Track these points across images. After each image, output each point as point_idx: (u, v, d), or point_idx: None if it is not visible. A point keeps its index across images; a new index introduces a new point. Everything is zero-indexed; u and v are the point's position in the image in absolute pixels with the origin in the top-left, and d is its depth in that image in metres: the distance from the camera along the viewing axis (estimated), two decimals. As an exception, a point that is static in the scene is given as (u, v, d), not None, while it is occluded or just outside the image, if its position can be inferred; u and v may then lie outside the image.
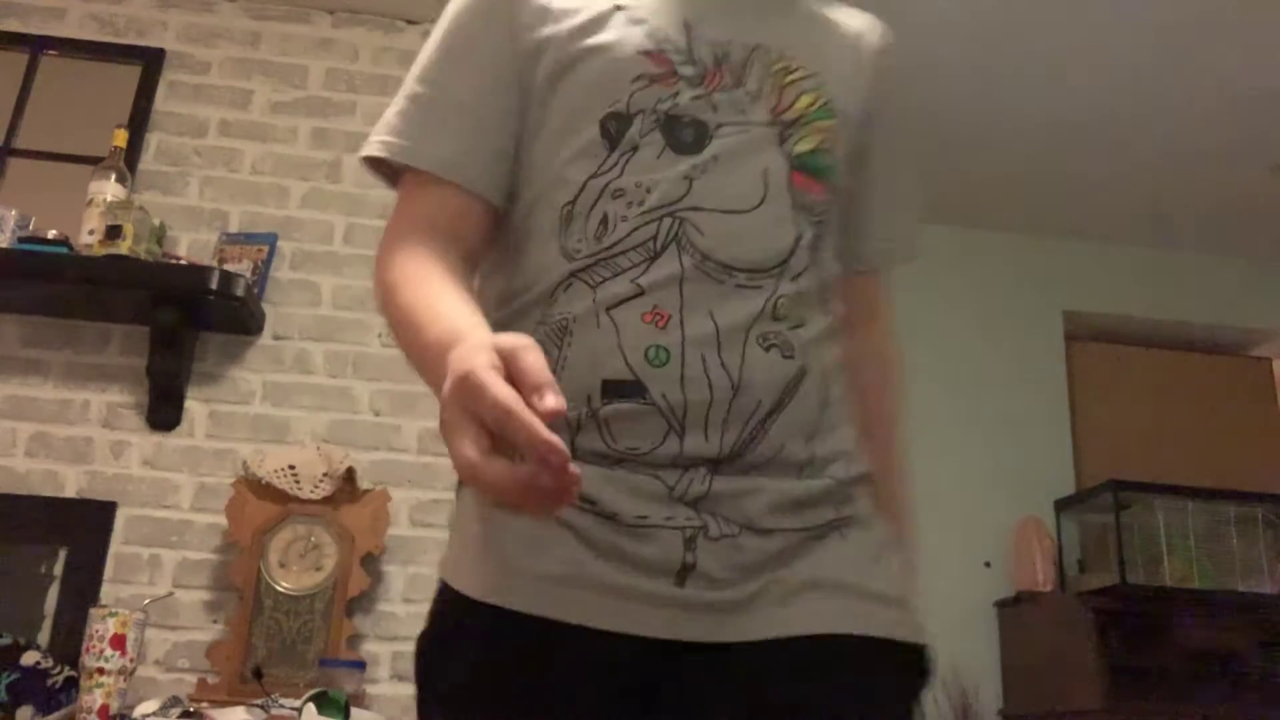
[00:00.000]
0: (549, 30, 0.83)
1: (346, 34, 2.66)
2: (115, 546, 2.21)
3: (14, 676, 1.92)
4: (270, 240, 2.44)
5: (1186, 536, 2.88)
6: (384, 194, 2.75)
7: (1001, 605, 3.09)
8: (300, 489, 2.16)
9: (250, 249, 2.42)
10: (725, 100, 0.81)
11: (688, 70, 0.81)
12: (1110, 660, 2.66)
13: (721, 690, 0.74)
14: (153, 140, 2.50)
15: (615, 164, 0.80)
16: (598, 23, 0.83)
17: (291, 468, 2.17)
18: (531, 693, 0.76)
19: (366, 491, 2.22)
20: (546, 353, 0.62)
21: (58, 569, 2.17)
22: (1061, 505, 3.19)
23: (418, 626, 2.23)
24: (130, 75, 2.54)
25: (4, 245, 2.17)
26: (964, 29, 2.59)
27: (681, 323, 0.76)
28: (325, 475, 2.17)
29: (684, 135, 0.80)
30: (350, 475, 2.20)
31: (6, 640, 1.95)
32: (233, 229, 2.46)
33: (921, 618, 0.87)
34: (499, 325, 0.79)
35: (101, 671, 1.75)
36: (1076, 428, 3.40)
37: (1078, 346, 3.54)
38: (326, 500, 2.17)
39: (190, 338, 2.32)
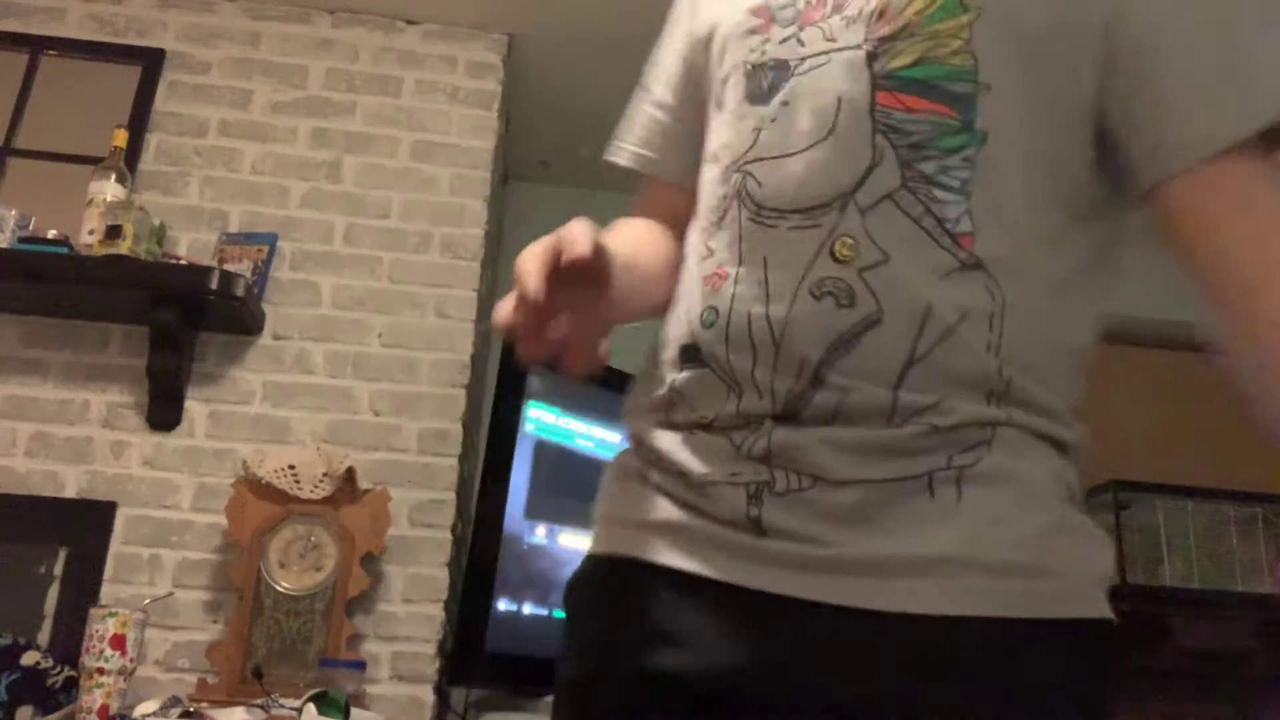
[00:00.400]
0: (704, 16, 0.88)
1: (346, 34, 2.66)
2: (115, 546, 2.21)
3: (14, 676, 1.92)
4: (270, 240, 2.44)
5: (1186, 536, 2.88)
6: (384, 194, 2.76)
7: (1001, 605, 3.09)
8: (300, 489, 2.16)
9: (250, 249, 2.42)
10: (815, 33, 0.76)
11: (786, 13, 0.78)
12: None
13: (816, 664, 0.70)
14: (153, 140, 2.50)
15: (713, 129, 0.82)
16: None
17: (291, 468, 2.17)
18: (628, 623, 0.77)
19: (366, 491, 2.22)
20: (672, 317, 0.79)
21: (58, 569, 2.17)
22: (1061, 505, 3.19)
23: (418, 626, 2.26)
24: (130, 75, 2.54)
25: (4, 245, 2.16)
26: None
27: (736, 280, 0.75)
28: (325, 475, 2.17)
29: (762, 83, 0.77)
30: (350, 475, 2.20)
31: (6, 640, 1.95)
32: (233, 229, 2.46)
33: (1080, 583, 0.78)
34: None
35: (101, 671, 1.75)
36: (1076, 428, 3.40)
37: (1078, 346, 3.54)
38: (326, 500, 2.17)
39: (190, 338, 2.32)
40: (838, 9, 0.76)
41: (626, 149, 0.96)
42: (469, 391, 2.46)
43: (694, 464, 0.76)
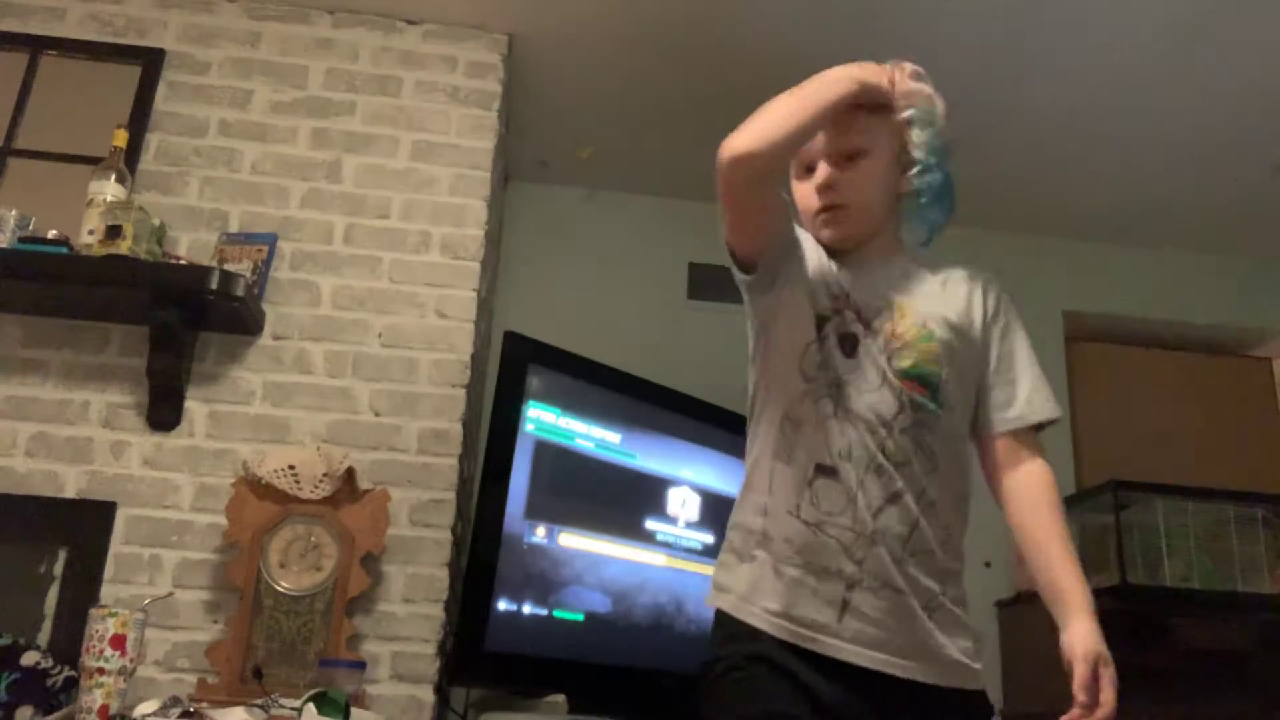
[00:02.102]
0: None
1: (346, 34, 2.66)
2: (115, 546, 2.21)
3: (14, 676, 1.92)
4: (270, 240, 2.44)
5: (1186, 536, 2.88)
6: (383, 194, 2.76)
7: (1001, 605, 3.09)
8: (300, 489, 2.16)
9: (250, 249, 2.42)
10: (863, 330, 1.32)
11: (849, 308, 1.33)
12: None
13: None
14: (153, 140, 2.50)
15: (818, 344, 1.34)
16: (820, 267, 1.38)
17: (291, 468, 2.17)
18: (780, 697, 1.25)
19: (366, 491, 2.22)
20: (801, 437, 1.34)
21: (58, 569, 2.17)
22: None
23: (418, 626, 2.26)
24: (130, 75, 2.54)
25: (4, 245, 2.17)
26: (964, 30, 2.59)
27: (851, 439, 1.29)
28: (325, 475, 2.17)
29: (846, 344, 1.31)
30: (350, 475, 2.20)
31: (6, 640, 1.95)
32: (233, 229, 2.47)
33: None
34: None
35: (101, 671, 1.75)
36: (1076, 428, 3.40)
37: (1078, 346, 3.54)
38: (326, 500, 2.17)
39: (190, 338, 2.32)
40: (865, 323, 1.34)
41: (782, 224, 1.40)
42: (469, 391, 2.46)
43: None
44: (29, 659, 1.94)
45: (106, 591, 2.17)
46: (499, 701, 2.48)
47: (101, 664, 1.75)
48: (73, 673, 1.93)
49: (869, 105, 1.34)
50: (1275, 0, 2.42)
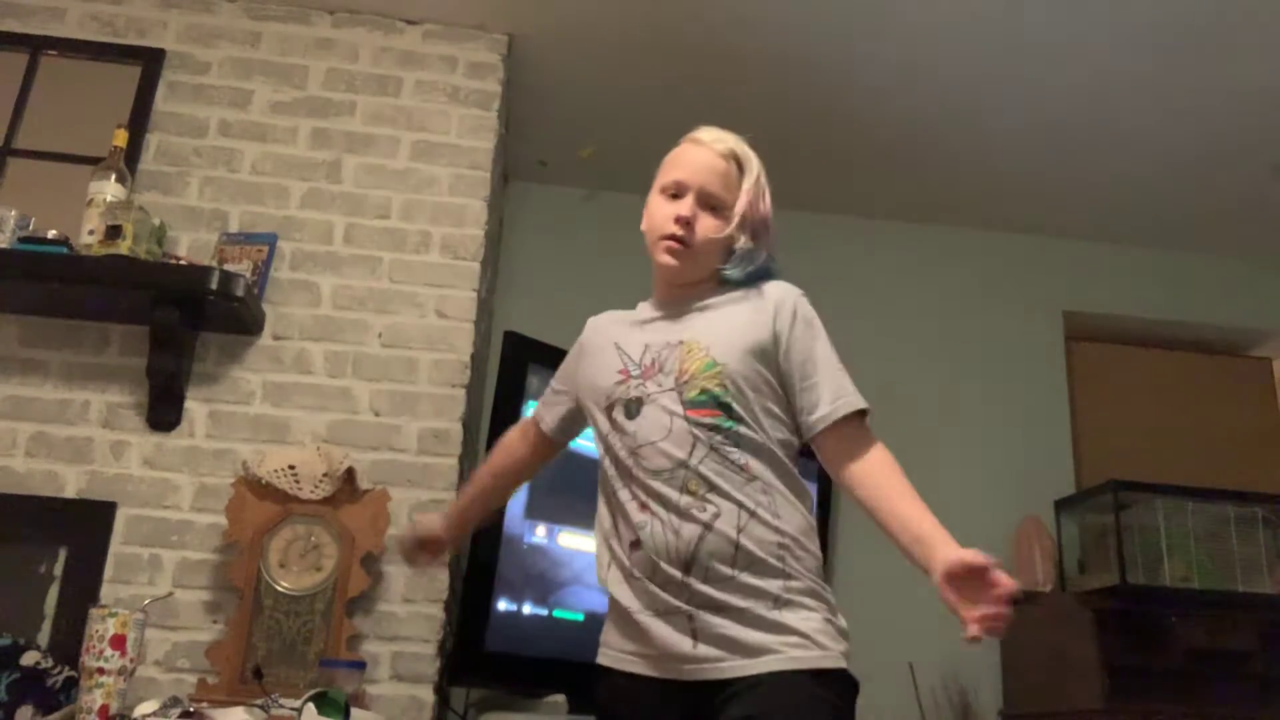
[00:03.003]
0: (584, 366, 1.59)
1: (346, 34, 2.66)
2: (115, 546, 2.21)
3: (14, 676, 1.92)
4: (270, 240, 2.44)
5: (1186, 536, 2.88)
6: (383, 194, 2.75)
7: (1001, 605, 3.09)
8: (300, 489, 2.16)
9: (250, 249, 2.42)
10: (652, 383, 1.43)
11: (636, 372, 1.46)
12: (1110, 660, 2.65)
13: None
14: (153, 140, 2.51)
15: (612, 429, 1.45)
16: (603, 359, 1.52)
17: (291, 468, 2.17)
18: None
19: (366, 491, 2.22)
20: (619, 521, 1.43)
21: (58, 569, 2.17)
22: (1061, 505, 3.18)
23: (418, 626, 2.27)
24: (130, 75, 2.54)
25: (4, 245, 2.17)
26: (962, 30, 2.59)
27: (649, 505, 1.38)
28: (325, 475, 2.17)
29: (632, 409, 1.43)
30: (350, 475, 2.20)
31: (6, 640, 1.95)
32: (233, 229, 2.47)
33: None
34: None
35: (101, 671, 1.75)
36: (1076, 428, 3.40)
37: (1078, 346, 3.54)
38: (326, 500, 2.17)
39: (190, 338, 2.32)
40: (660, 370, 1.43)
41: (543, 415, 1.69)
42: (469, 391, 2.46)
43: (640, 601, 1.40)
44: (29, 659, 1.94)
45: (106, 591, 2.17)
46: (499, 701, 2.48)
47: (101, 664, 1.75)
48: (73, 673, 1.93)
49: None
50: (1275, 1, 2.42)
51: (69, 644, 2.01)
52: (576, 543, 2.49)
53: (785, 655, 1.30)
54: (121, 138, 2.32)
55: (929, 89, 2.84)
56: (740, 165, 1.50)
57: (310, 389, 2.38)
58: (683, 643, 1.32)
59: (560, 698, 2.41)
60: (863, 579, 3.11)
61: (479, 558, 2.32)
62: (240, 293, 2.21)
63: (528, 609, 2.40)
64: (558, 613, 2.45)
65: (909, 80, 2.81)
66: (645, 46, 2.73)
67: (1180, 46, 2.60)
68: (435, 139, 2.60)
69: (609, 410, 1.46)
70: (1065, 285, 3.53)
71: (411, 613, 2.25)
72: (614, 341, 1.52)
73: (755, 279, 1.51)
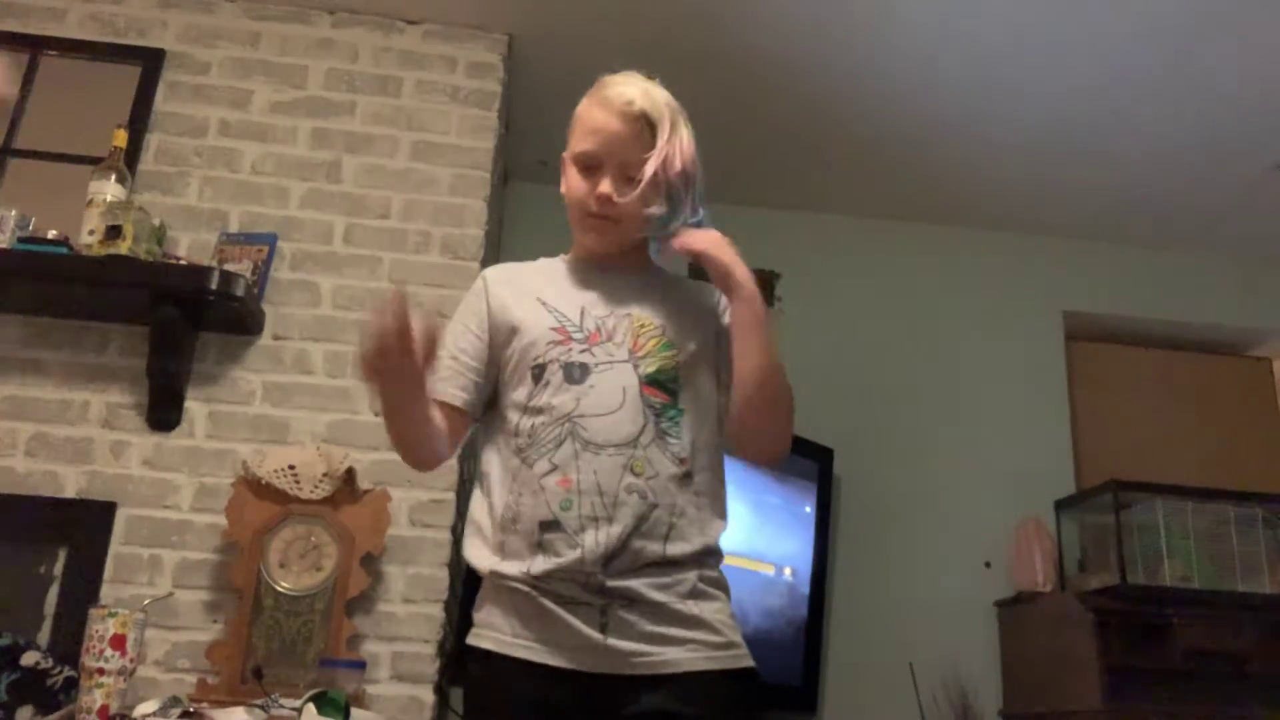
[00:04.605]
0: (501, 321, 1.42)
1: (346, 34, 2.66)
2: (115, 546, 2.21)
3: (14, 676, 1.92)
4: (270, 240, 2.44)
5: (1186, 536, 2.88)
6: (383, 194, 2.75)
7: (1001, 605, 3.09)
8: (300, 489, 2.16)
9: (250, 249, 2.42)
10: (600, 350, 1.34)
11: (578, 335, 1.36)
12: (1110, 660, 2.65)
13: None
14: (153, 140, 2.50)
15: (538, 392, 1.34)
16: (528, 312, 1.40)
17: (291, 468, 2.17)
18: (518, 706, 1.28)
19: (366, 491, 2.22)
20: (523, 505, 1.29)
21: (58, 569, 2.17)
22: (1061, 505, 3.18)
23: (418, 626, 2.26)
24: (130, 75, 2.54)
25: (4, 245, 2.17)
26: (962, 31, 2.59)
27: (578, 482, 1.27)
28: (325, 475, 2.17)
29: (574, 373, 1.33)
30: (350, 475, 2.20)
31: (6, 640, 1.94)
32: (233, 229, 2.46)
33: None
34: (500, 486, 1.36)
35: (101, 671, 1.75)
36: (1076, 428, 3.40)
37: (1078, 346, 3.54)
38: (326, 500, 2.17)
39: (190, 338, 2.32)
40: (609, 339, 1.35)
41: (450, 391, 1.40)
42: (469, 391, 2.45)
43: (562, 591, 1.28)
44: (29, 659, 1.94)
45: (106, 591, 2.17)
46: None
47: (101, 664, 1.75)
48: (73, 673, 1.93)
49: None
50: (1275, 1, 2.42)
51: (69, 644, 2.01)
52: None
53: (701, 655, 1.26)
54: (121, 138, 2.32)
55: (929, 89, 2.83)
56: (652, 125, 1.39)
57: (310, 389, 2.38)
58: (592, 634, 1.24)
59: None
60: (863, 580, 3.12)
61: (479, 558, 2.32)
62: (240, 293, 2.21)
63: (528, 609, 2.39)
64: (558, 613, 2.44)
65: (909, 81, 2.81)
66: (646, 47, 2.73)
67: (1180, 46, 2.60)
68: (435, 139, 2.60)
69: (536, 371, 1.34)
70: (1065, 285, 3.52)
71: (411, 613, 2.25)
72: (536, 296, 1.41)
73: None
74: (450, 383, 1.40)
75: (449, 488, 2.35)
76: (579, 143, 1.41)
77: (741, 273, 1.34)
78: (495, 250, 3.03)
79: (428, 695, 2.21)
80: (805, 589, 2.94)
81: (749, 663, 1.31)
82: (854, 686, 2.97)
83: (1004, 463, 3.26)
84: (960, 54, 2.69)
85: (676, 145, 1.40)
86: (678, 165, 1.39)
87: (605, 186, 1.37)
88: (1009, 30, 2.58)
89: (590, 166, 1.40)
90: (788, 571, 2.90)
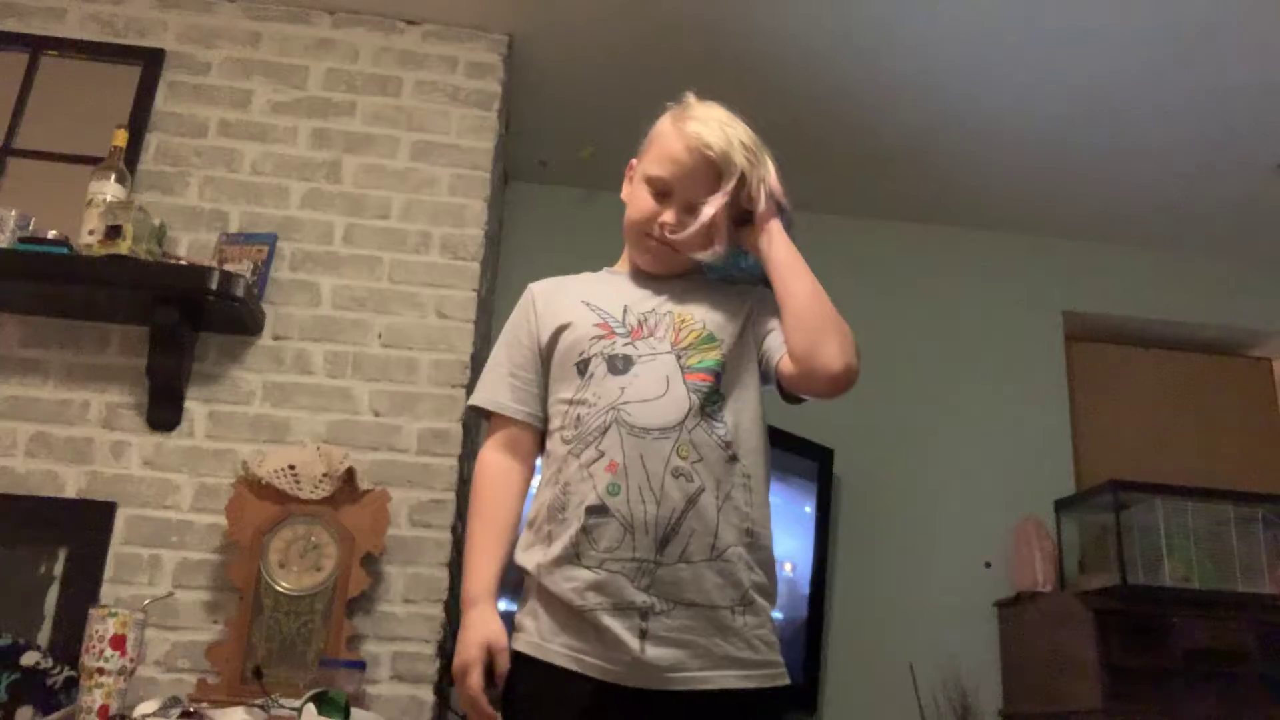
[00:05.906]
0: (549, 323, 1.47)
1: (346, 34, 2.66)
2: (115, 546, 2.21)
3: (14, 676, 1.92)
4: (270, 240, 2.44)
5: (1186, 536, 2.88)
6: (383, 194, 2.75)
7: (1001, 605, 3.09)
8: (300, 489, 2.16)
9: (250, 249, 2.42)
10: (643, 344, 1.39)
11: (621, 330, 1.41)
12: (1110, 660, 2.65)
13: None
14: (153, 140, 2.51)
15: (584, 385, 1.38)
16: (573, 313, 1.45)
17: (291, 468, 2.17)
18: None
19: (366, 491, 2.22)
20: (571, 493, 1.32)
21: (58, 569, 2.17)
22: (1061, 505, 3.18)
23: (418, 627, 2.26)
24: (130, 75, 2.54)
25: (4, 245, 2.17)
26: (962, 31, 2.59)
27: (625, 467, 1.29)
28: (325, 475, 2.17)
29: (618, 364, 1.37)
30: (350, 475, 2.20)
31: (6, 640, 1.95)
32: (233, 229, 2.46)
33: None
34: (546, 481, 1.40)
35: (101, 671, 1.75)
36: (1076, 428, 3.40)
37: (1078, 346, 3.54)
38: (326, 500, 2.17)
39: (190, 338, 2.32)
40: (651, 334, 1.40)
41: (510, 406, 1.47)
42: (469, 391, 2.45)
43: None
44: (29, 659, 1.94)
45: (106, 591, 2.17)
46: (499, 700, 2.47)
47: (101, 664, 1.75)
48: (73, 673, 1.93)
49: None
50: (1275, 1, 2.42)
51: (69, 644, 2.02)
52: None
53: (735, 674, 1.27)
54: (121, 138, 2.32)
55: (929, 90, 2.83)
56: (721, 172, 1.42)
57: (310, 389, 2.38)
58: (630, 644, 1.23)
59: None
60: (863, 579, 3.12)
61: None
62: (240, 293, 2.21)
63: (528, 609, 2.39)
64: (558, 613, 2.44)
65: (909, 82, 2.81)
66: (646, 47, 2.73)
67: (1180, 46, 2.60)
68: (435, 139, 2.60)
69: (581, 366, 1.39)
70: (1065, 285, 3.52)
71: (411, 613, 2.25)
72: (580, 299, 1.47)
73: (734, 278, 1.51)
74: (517, 399, 1.47)
75: (449, 488, 2.35)
76: (652, 165, 1.47)
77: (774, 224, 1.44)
78: (495, 250, 3.03)
79: (428, 695, 2.21)
80: (805, 589, 2.94)
81: (784, 681, 1.31)
82: (854, 686, 2.97)
83: (1004, 463, 3.26)
84: (959, 55, 2.69)
85: (739, 192, 1.44)
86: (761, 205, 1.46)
87: (669, 216, 1.44)
88: (1009, 30, 2.58)
89: (661, 192, 1.45)
90: (788, 569, 2.90)
